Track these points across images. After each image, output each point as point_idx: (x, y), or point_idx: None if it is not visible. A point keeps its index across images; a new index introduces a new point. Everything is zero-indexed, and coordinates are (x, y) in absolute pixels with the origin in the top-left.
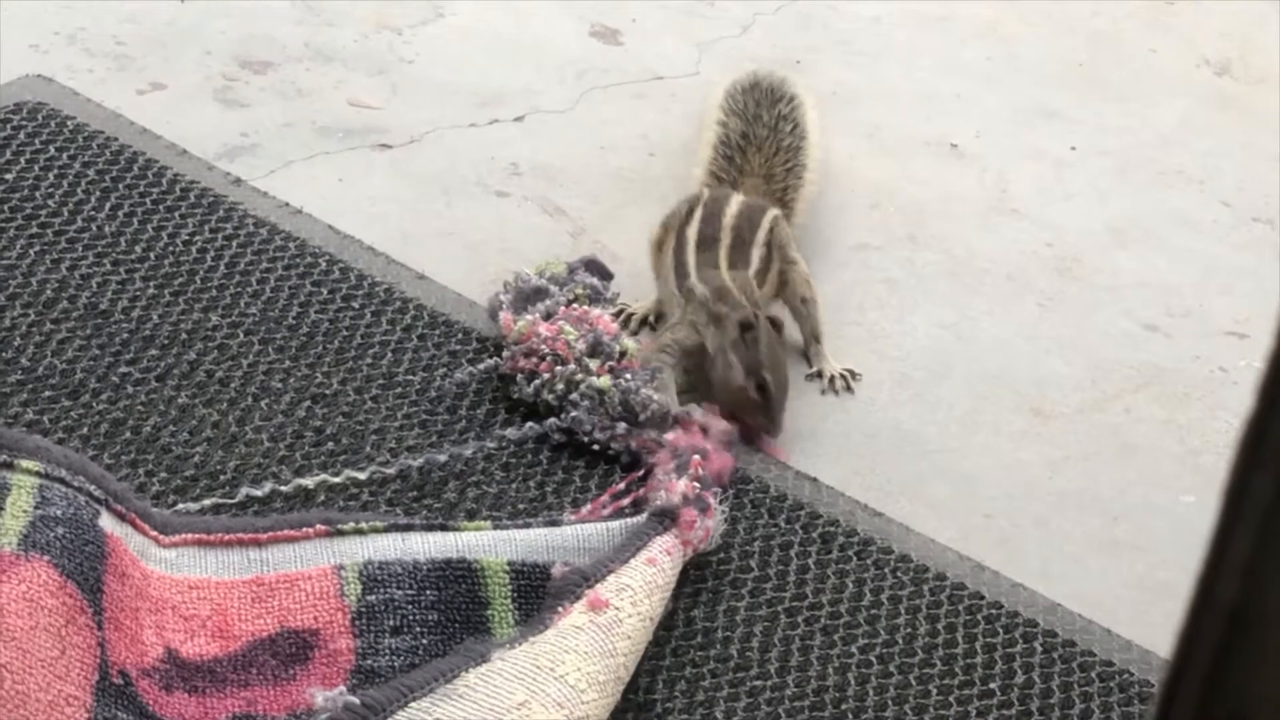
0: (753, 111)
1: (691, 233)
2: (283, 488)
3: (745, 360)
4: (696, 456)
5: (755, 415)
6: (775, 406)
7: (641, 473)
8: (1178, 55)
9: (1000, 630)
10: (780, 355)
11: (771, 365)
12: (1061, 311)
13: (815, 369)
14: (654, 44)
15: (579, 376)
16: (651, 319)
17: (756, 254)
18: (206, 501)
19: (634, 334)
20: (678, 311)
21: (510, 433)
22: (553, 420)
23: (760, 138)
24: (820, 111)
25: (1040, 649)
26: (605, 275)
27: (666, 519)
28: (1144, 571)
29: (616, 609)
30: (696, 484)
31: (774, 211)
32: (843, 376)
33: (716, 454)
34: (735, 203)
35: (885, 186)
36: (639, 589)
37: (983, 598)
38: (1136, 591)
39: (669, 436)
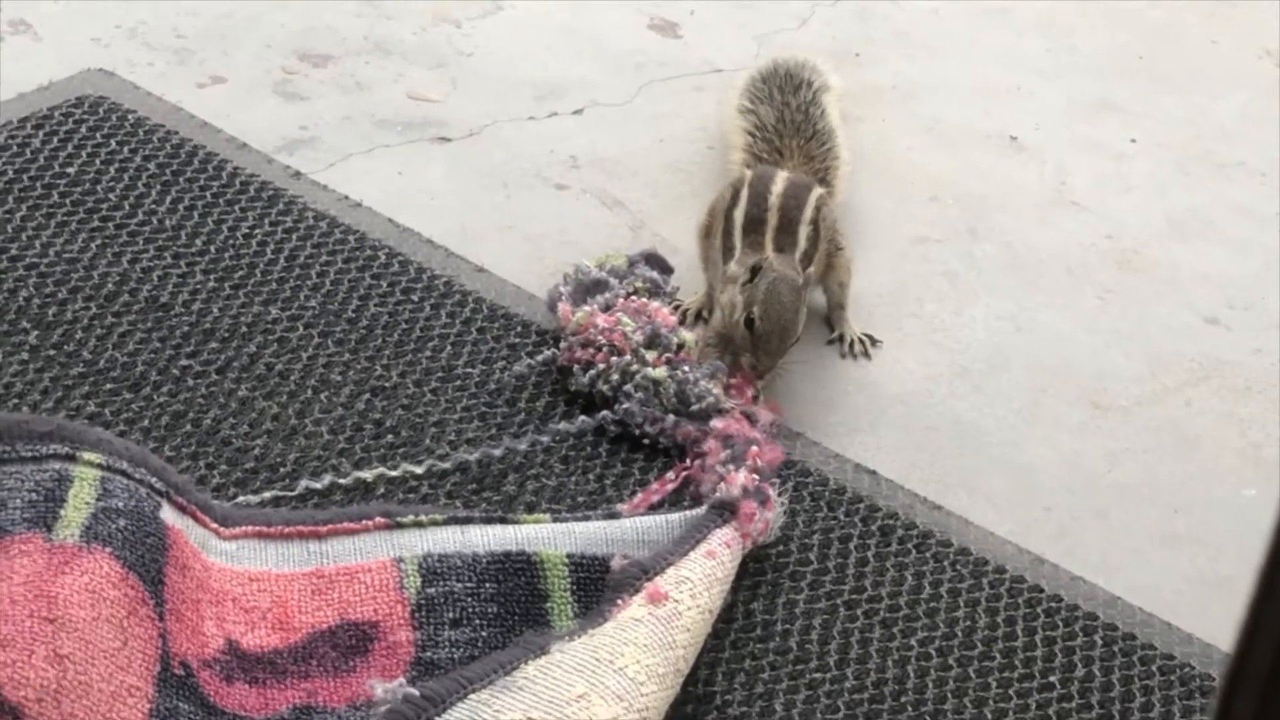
0: (780, 98)
1: (739, 215)
2: (342, 480)
3: (745, 298)
4: (753, 448)
5: (746, 353)
6: (760, 343)
7: (694, 465)
8: (1238, 46)
9: (1060, 624)
10: (784, 301)
11: (765, 305)
12: (1121, 304)
13: (836, 333)
14: (712, 37)
15: (634, 367)
16: (705, 312)
17: (804, 233)
18: (266, 494)
19: (690, 328)
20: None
21: (565, 425)
22: (606, 412)
23: (796, 122)
24: (838, 93)
25: (1100, 642)
26: (665, 268)
27: (726, 511)
28: (1205, 565)
29: (676, 601)
30: (755, 475)
31: (819, 189)
32: (862, 340)
33: (768, 445)
34: (780, 180)
35: (944, 179)
36: (698, 581)
37: (1042, 591)
38: (1197, 585)
39: (716, 425)
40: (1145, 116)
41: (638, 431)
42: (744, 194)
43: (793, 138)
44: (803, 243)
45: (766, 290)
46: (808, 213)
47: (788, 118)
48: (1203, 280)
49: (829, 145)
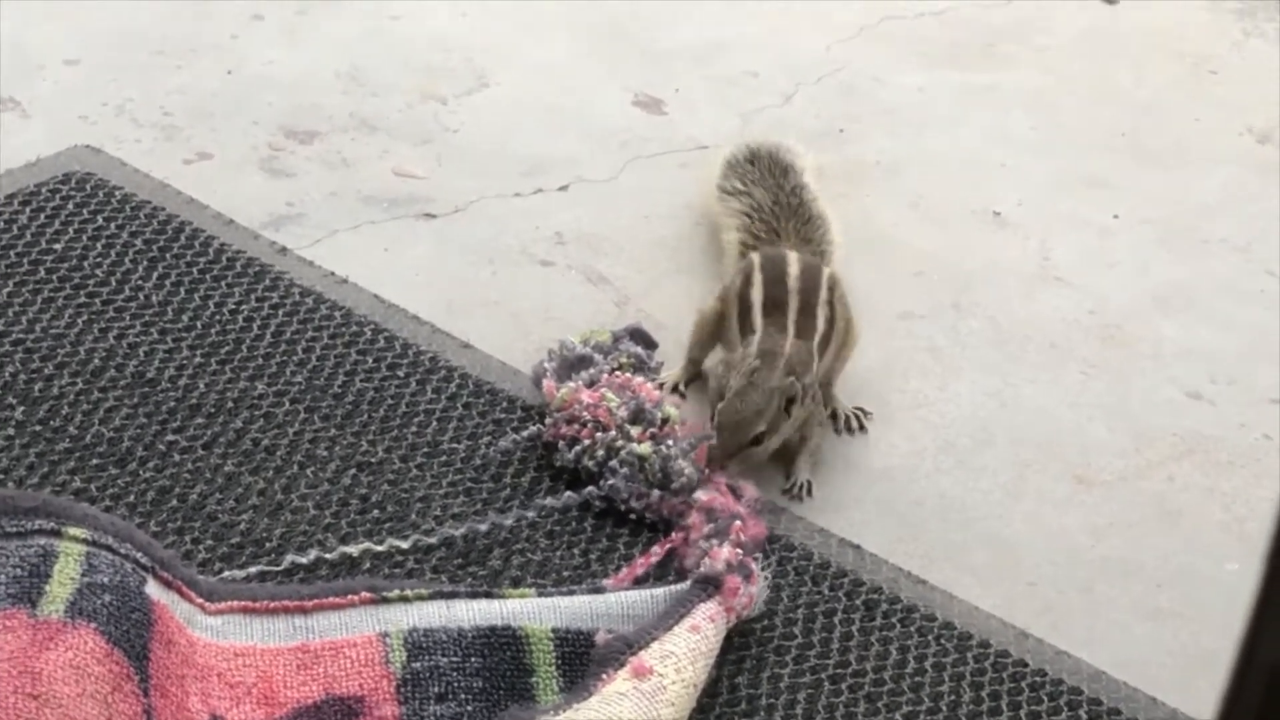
0: (771, 180)
1: (756, 296)
2: (328, 555)
3: (724, 386)
4: (736, 522)
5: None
6: (718, 433)
7: (676, 538)
8: (1221, 124)
9: (1044, 698)
10: (748, 400)
11: (730, 399)
12: (1105, 379)
13: (828, 410)
14: (697, 113)
15: (619, 443)
16: (683, 386)
17: (822, 315)
18: (252, 569)
19: (675, 396)
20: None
21: (551, 501)
22: (592, 488)
23: (791, 205)
24: (817, 171)
25: (1085, 717)
26: (650, 344)
27: (710, 586)
28: (1188, 639)
29: (660, 676)
30: (739, 550)
31: (828, 269)
32: (855, 415)
33: (751, 520)
34: (795, 262)
35: (929, 255)
36: (683, 656)
37: (1026, 665)
38: (1181, 659)
39: (701, 498)
40: (1129, 192)
41: (623, 507)
42: (757, 276)
43: (789, 220)
44: (821, 325)
45: (738, 388)
46: (823, 294)
47: (782, 200)
48: (1186, 355)
49: (823, 229)
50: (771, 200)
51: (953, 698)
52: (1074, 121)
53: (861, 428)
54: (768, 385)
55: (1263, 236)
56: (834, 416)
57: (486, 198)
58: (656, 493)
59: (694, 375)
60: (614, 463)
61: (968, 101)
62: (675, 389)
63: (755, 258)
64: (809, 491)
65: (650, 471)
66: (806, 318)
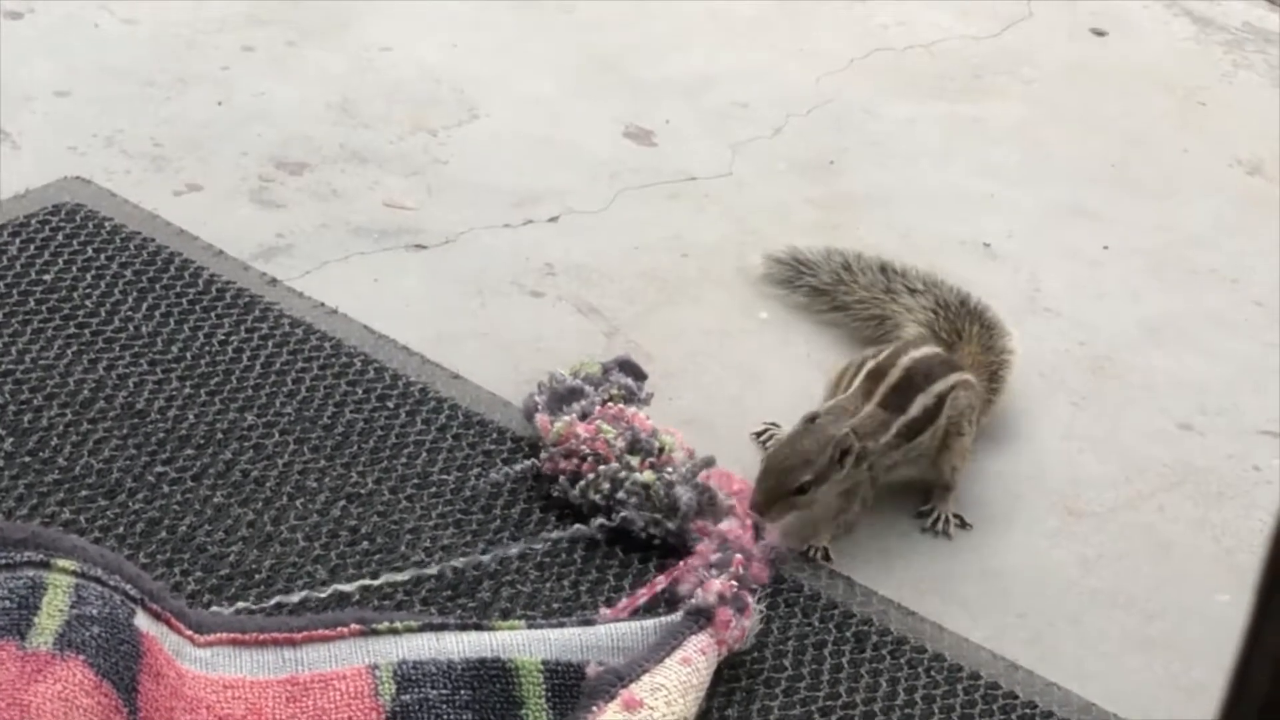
0: (956, 289)
1: (870, 364)
2: (319, 594)
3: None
4: (739, 556)
5: None
6: (759, 478)
7: (681, 568)
8: (1210, 155)
9: None
10: (798, 447)
11: (779, 444)
12: (1094, 410)
13: (930, 506)
14: (687, 145)
15: (623, 474)
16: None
17: (920, 401)
18: (240, 604)
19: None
20: None
21: (554, 534)
22: (600, 520)
23: (979, 307)
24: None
25: None
26: (639, 375)
27: (702, 618)
28: (1179, 671)
29: (651, 709)
30: (735, 583)
31: (964, 375)
32: (950, 519)
33: (758, 561)
34: (925, 349)
35: None
36: (673, 689)
37: (1016, 697)
38: (1171, 691)
39: (722, 528)
40: (1118, 223)
41: (643, 536)
42: (886, 349)
43: (974, 323)
44: (914, 411)
45: (791, 434)
46: (937, 387)
47: (972, 301)
48: (1176, 386)
49: (1004, 337)
50: (960, 298)
51: None
52: (1063, 153)
53: (948, 534)
54: (823, 433)
55: (1252, 268)
56: (932, 514)
57: (476, 229)
58: (672, 520)
59: None
60: (621, 494)
61: (957, 133)
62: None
63: (901, 340)
64: (825, 557)
65: (656, 499)
66: (900, 396)
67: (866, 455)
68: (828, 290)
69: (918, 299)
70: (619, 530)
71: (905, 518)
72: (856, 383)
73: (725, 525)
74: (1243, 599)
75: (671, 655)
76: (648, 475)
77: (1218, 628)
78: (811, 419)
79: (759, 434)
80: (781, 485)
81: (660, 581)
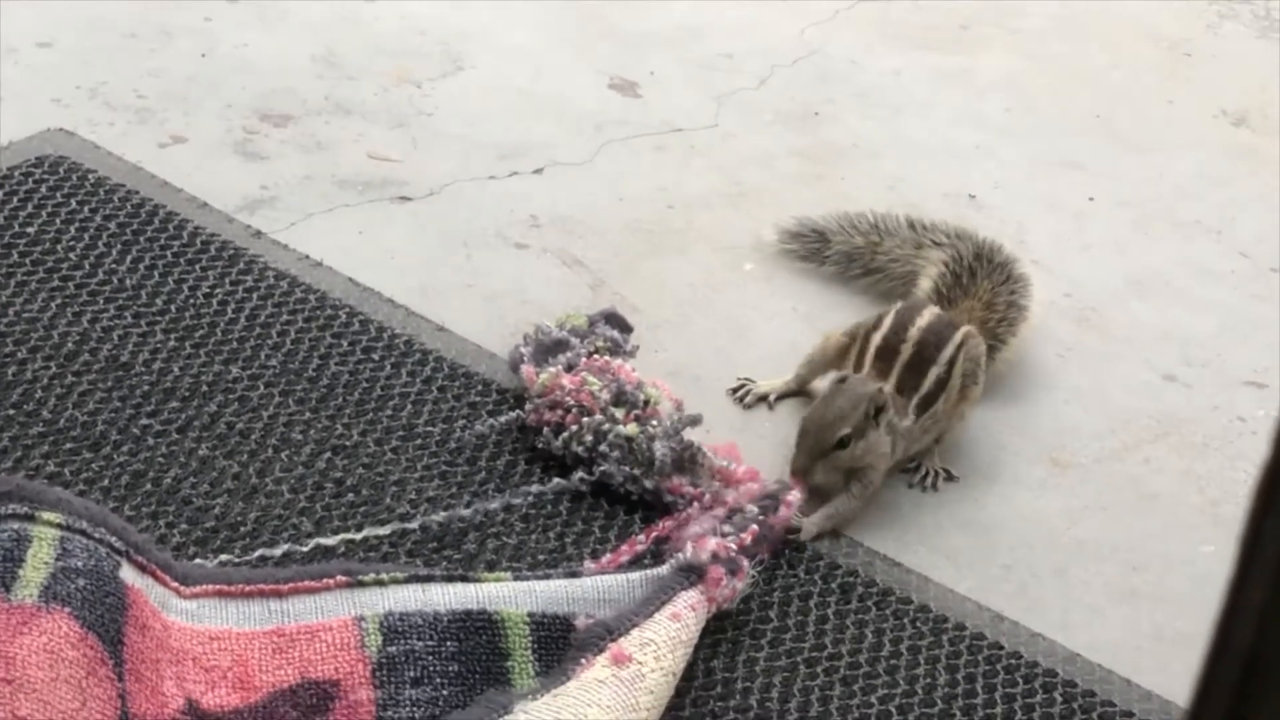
0: (986, 241)
1: (876, 339)
2: (301, 548)
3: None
4: (754, 526)
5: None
6: (799, 439)
7: (669, 522)
8: (1195, 107)
9: (1020, 680)
10: (835, 405)
11: (815, 405)
12: (1080, 362)
13: (917, 463)
14: (672, 96)
15: (606, 427)
16: (773, 397)
17: (933, 374)
18: (225, 556)
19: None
20: None
21: (535, 488)
22: (580, 474)
23: (994, 264)
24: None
25: (1060, 699)
26: (625, 327)
27: (693, 574)
28: (1163, 621)
29: (640, 663)
30: (731, 546)
31: (966, 329)
32: (937, 473)
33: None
34: (927, 314)
35: None
36: (662, 644)
37: (1002, 647)
38: (1156, 641)
39: (726, 492)
40: (1103, 175)
41: (623, 490)
42: (888, 320)
43: (985, 279)
44: (928, 384)
45: (825, 394)
46: (945, 353)
47: (988, 257)
48: (1161, 338)
49: (1019, 293)
50: (974, 254)
51: (928, 680)
52: (1048, 105)
53: (935, 487)
54: (856, 391)
55: (1237, 220)
56: (918, 467)
57: (461, 181)
58: (653, 473)
59: (793, 392)
60: (604, 447)
61: (942, 85)
62: (765, 398)
63: (895, 305)
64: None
65: (639, 452)
66: (913, 374)
67: (893, 428)
68: (859, 254)
69: (940, 252)
70: (603, 483)
71: (890, 470)
72: (867, 363)
73: (727, 492)
74: (1227, 550)
75: (661, 610)
76: (631, 428)
77: (1202, 579)
78: (842, 379)
79: (735, 389)
80: (822, 442)
81: (641, 540)
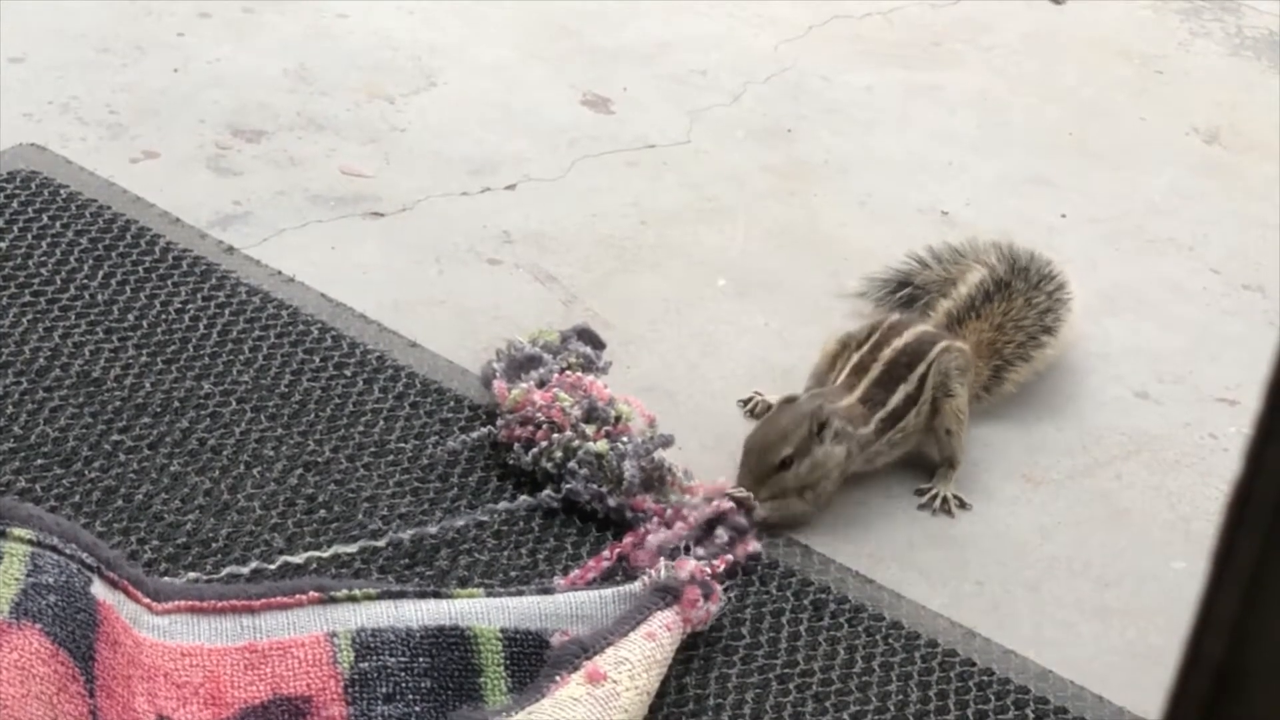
0: (1022, 264)
1: (855, 357)
2: (269, 566)
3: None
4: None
5: None
6: (741, 464)
7: (626, 543)
8: (1167, 123)
9: (992, 697)
10: (776, 424)
11: (757, 428)
12: (1052, 378)
13: (931, 486)
14: (645, 112)
15: (576, 443)
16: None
17: (901, 391)
18: (197, 573)
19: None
20: None
21: (505, 505)
22: (547, 492)
23: (1018, 290)
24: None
25: (1033, 716)
26: (598, 344)
27: (669, 595)
28: (1135, 638)
29: (614, 682)
30: (706, 569)
31: (946, 343)
32: (950, 499)
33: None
34: (908, 334)
35: (877, 254)
36: (637, 663)
37: (974, 664)
38: (1128, 658)
39: (686, 512)
40: (1075, 191)
41: (588, 508)
42: (871, 334)
43: (1002, 303)
44: (895, 401)
45: (768, 414)
46: (918, 370)
47: (1014, 285)
48: (1133, 354)
49: (1036, 328)
50: (1004, 281)
51: (900, 697)
52: (1021, 121)
53: (949, 513)
54: (798, 410)
55: (1208, 236)
56: (932, 495)
57: (434, 196)
58: (619, 492)
59: None
60: (573, 464)
61: (915, 101)
62: (769, 409)
63: (889, 318)
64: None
65: (609, 469)
66: (881, 389)
67: (841, 435)
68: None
69: (970, 273)
70: (571, 500)
71: (862, 486)
72: (843, 375)
73: (693, 507)
74: (1198, 566)
75: (636, 629)
76: (601, 445)
77: (1173, 595)
78: (789, 400)
79: (745, 401)
80: (764, 462)
81: (606, 557)
